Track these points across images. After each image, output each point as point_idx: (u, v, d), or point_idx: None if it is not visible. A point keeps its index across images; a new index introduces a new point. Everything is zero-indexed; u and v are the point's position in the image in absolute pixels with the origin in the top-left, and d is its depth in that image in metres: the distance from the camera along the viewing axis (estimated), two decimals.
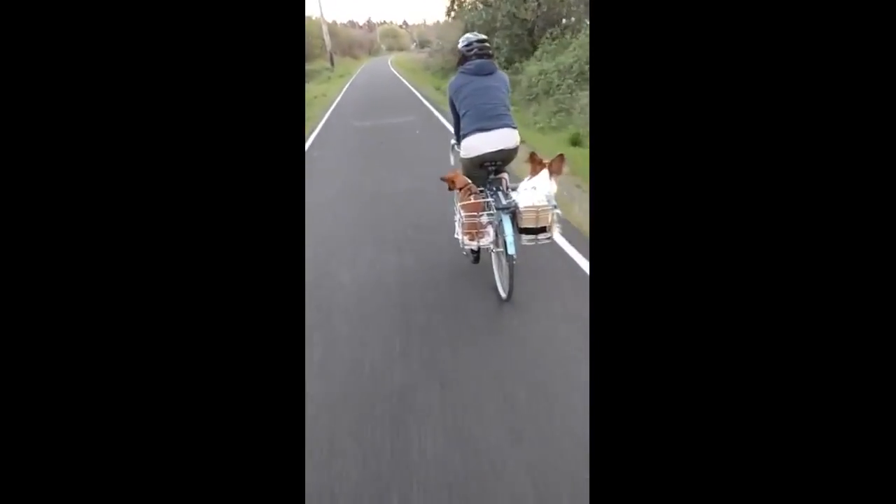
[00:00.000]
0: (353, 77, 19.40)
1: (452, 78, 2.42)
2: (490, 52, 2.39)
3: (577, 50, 6.89)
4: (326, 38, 24.37)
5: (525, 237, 2.14)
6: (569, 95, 6.25)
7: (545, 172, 2.25)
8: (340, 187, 4.45)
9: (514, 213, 2.13)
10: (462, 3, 13.54)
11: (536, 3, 8.96)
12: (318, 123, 8.14)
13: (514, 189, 2.28)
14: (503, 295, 2.31)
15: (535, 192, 2.15)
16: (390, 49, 53.05)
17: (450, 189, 2.48)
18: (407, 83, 14.23)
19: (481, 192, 2.31)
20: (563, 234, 2.80)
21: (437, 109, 8.29)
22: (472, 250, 2.47)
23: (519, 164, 2.78)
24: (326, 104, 10.78)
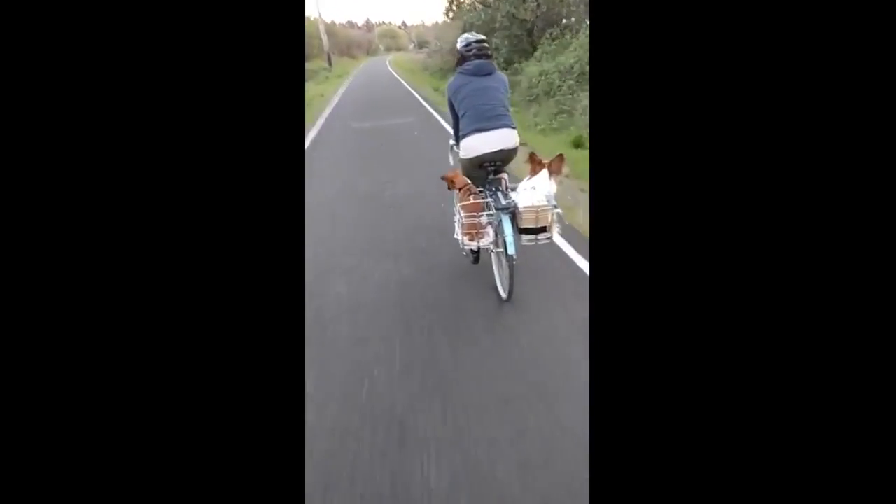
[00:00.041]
0: (351, 77, 19.38)
1: (451, 78, 2.42)
2: (489, 52, 2.39)
3: (577, 50, 6.86)
4: (324, 38, 24.36)
5: (525, 237, 2.14)
6: (570, 96, 6.22)
7: (545, 172, 2.25)
8: (338, 190, 4.40)
9: (513, 214, 2.13)
10: (461, 3, 13.57)
11: (536, 4, 8.96)
12: (315, 125, 8.13)
13: (513, 189, 2.28)
14: (503, 295, 2.31)
15: (534, 192, 2.15)
16: (388, 49, 53.06)
17: (449, 188, 2.48)
18: (405, 84, 14.22)
19: (481, 192, 2.31)
20: (569, 239, 2.80)
21: (436, 111, 8.29)
22: (471, 250, 2.47)
23: (518, 164, 2.78)
24: (324, 105, 10.77)
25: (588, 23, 7.21)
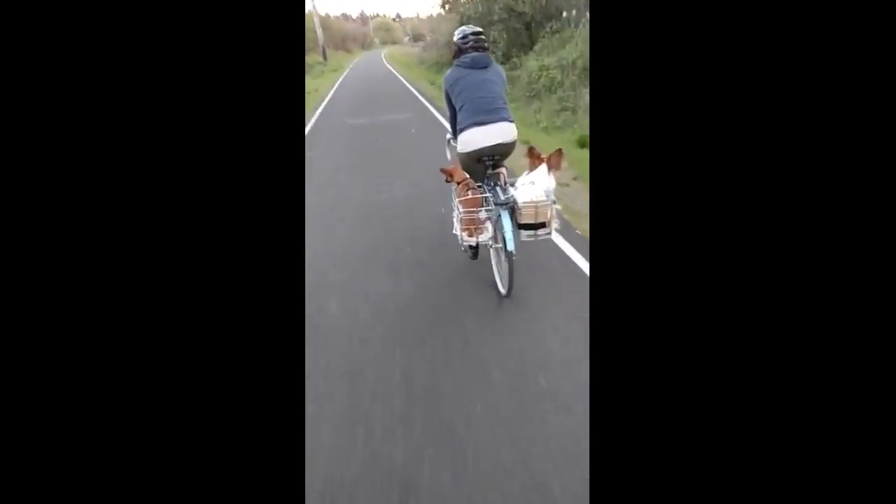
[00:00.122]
0: (347, 71, 19.23)
1: (448, 71, 2.38)
2: (486, 44, 2.35)
3: (579, 45, 6.70)
4: (319, 31, 24.11)
5: (524, 233, 2.12)
6: (573, 93, 6.03)
7: (544, 167, 2.23)
8: (334, 193, 4.13)
9: (512, 209, 2.11)
10: None
11: None
12: (309, 120, 8.05)
13: (512, 184, 2.25)
14: (503, 291, 2.29)
15: (533, 186, 2.12)
16: (384, 43, 52.67)
17: (447, 181, 2.46)
18: (401, 78, 14.12)
19: (479, 187, 2.28)
20: (576, 246, 2.73)
21: (433, 106, 8.22)
22: (470, 246, 2.45)
23: (516, 162, 2.72)
24: (319, 100, 10.69)
25: (588, 17, 7.13)
